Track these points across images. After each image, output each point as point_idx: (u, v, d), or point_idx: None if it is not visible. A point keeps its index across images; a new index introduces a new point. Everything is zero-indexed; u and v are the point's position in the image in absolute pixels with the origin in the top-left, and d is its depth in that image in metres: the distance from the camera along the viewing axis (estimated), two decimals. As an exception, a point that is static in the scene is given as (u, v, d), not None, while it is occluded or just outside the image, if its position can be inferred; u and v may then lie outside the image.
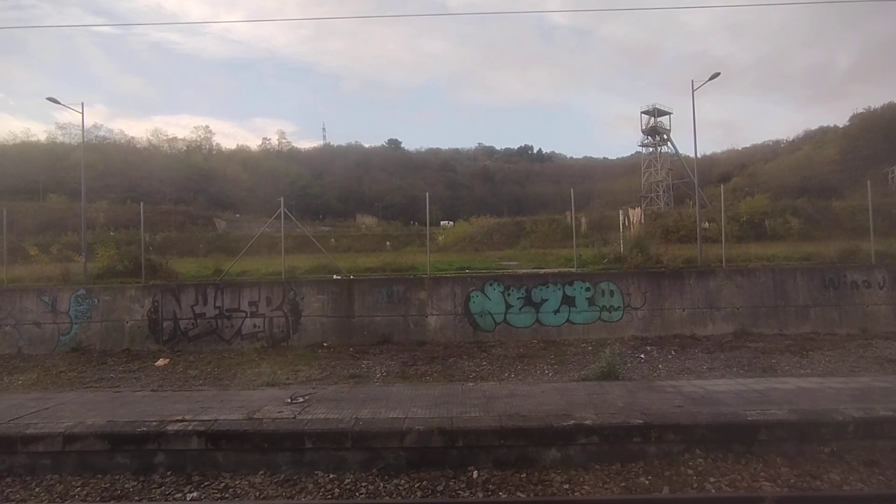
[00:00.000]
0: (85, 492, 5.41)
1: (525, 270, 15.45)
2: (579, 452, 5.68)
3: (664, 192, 64.58)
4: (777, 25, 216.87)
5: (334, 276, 13.57)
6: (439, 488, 5.24)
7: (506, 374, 8.86)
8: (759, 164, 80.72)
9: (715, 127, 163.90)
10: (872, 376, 7.83)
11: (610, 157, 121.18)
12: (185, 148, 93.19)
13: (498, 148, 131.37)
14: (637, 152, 75.85)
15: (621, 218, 23.18)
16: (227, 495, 5.24)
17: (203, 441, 5.83)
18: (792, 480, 5.12)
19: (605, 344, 10.02)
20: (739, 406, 6.26)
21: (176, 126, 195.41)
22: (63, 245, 19.41)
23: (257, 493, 5.25)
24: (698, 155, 23.31)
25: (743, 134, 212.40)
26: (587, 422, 5.82)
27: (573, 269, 13.39)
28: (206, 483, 5.49)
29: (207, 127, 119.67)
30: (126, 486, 5.50)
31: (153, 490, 5.39)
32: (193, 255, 29.23)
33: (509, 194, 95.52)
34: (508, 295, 11.88)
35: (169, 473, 5.72)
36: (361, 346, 11.35)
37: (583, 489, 5.12)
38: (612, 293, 11.86)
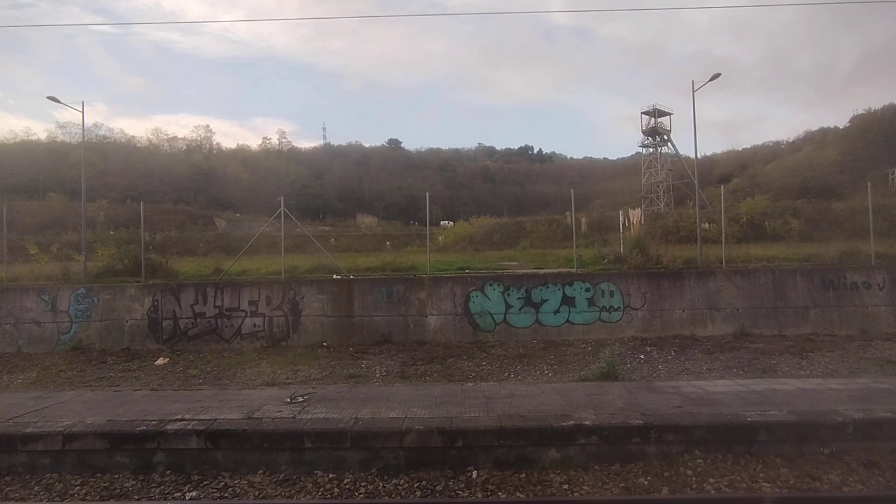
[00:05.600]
0: (84, 491, 5.41)
1: (525, 270, 15.45)
2: (579, 453, 5.68)
3: (664, 192, 64.57)
4: (779, 26, 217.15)
5: (334, 276, 13.57)
6: (438, 488, 5.24)
7: (505, 375, 8.86)
8: (759, 164, 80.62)
9: (715, 128, 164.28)
10: (872, 377, 7.83)
11: (610, 158, 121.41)
12: (185, 147, 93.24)
13: (498, 148, 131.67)
14: (637, 153, 75.92)
15: (621, 218, 23.16)
16: (226, 495, 5.24)
17: (202, 440, 5.83)
18: (791, 481, 5.12)
19: (605, 344, 10.02)
20: (739, 407, 6.26)
21: (176, 125, 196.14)
22: (63, 244, 19.33)
23: (256, 493, 5.25)
24: (698, 155, 23.30)
25: (743, 135, 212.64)
26: (587, 422, 5.82)
27: (573, 270, 13.38)
28: (205, 482, 5.48)
29: (208, 126, 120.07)
30: (125, 484, 5.50)
31: (152, 489, 5.39)
32: (193, 254, 29.21)
33: (509, 194, 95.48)
34: (508, 295, 11.88)
35: (168, 472, 5.72)
36: (361, 346, 11.35)
37: (582, 489, 5.12)
38: (611, 294, 11.86)
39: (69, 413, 6.70)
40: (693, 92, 16.46)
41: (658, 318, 11.79)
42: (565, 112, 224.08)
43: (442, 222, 59.44)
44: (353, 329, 11.89)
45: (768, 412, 6.02)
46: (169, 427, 5.97)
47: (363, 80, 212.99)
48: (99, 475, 5.71)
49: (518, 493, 5.13)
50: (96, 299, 12.21)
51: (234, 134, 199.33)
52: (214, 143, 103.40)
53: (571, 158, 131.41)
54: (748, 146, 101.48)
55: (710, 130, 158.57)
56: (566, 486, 5.20)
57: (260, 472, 5.66)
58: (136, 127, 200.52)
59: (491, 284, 11.98)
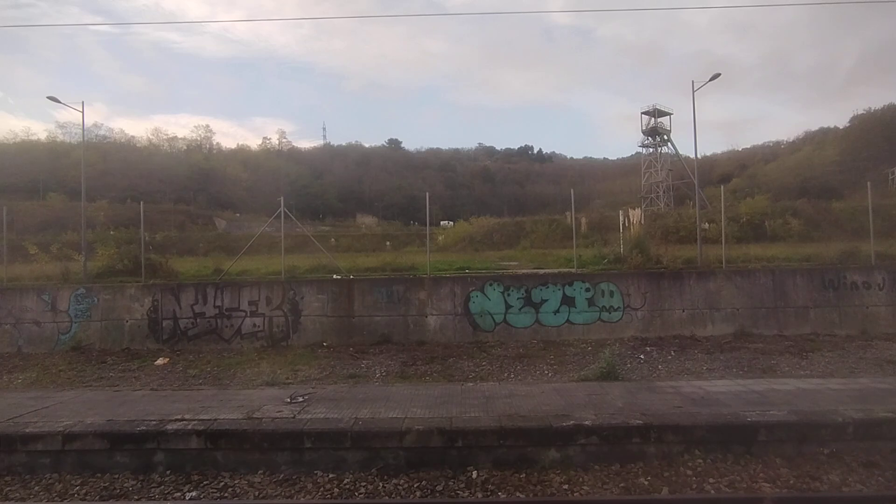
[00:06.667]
0: (84, 491, 5.41)
1: (525, 271, 15.44)
2: (579, 453, 5.69)
3: (664, 192, 64.53)
4: (779, 26, 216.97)
5: (334, 276, 13.56)
6: (438, 488, 5.24)
7: (505, 375, 8.85)
8: (759, 164, 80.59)
9: (715, 128, 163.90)
10: (872, 378, 7.83)
11: (610, 158, 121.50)
12: (185, 147, 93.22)
13: (498, 148, 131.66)
14: (637, 153, 75.85)
15: (621, 218, 23.12)
16: (226, 495, 5.24)
17: (202, 440, 5.83)
18: (791, 481, 5.12)
19: (605, 344, 10.01)
20: (739, 407, 6.26)
21: (176, 125, 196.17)
22: (63, 244, 19.30)
23: (256, 493, 5.26)
24: (698, 155, 23.31)
25: (743, 135, 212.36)
26: (586, 422, 5.82)
27: (573, 270, 13.38)
28: (205, 482, 5.49)
29: (208, 126, 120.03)
30: (125, 484, 5.50)
31: (152, 489, 5.39)
32: (193, 254, 29.22)
33: (509, 194, 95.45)
34: (508, 295, 11.87)
35: (168, 472, 5.72)
36: (361, 346, 11.35)
37: (582, 489, 5.12)
38: (611, 294, 11.86)
39: (69, 413, 6.70)
40: (693, 92, 16.46)
41: (658, 318, 11.79)
42: (565, 112, 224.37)
43: (442, 222, 59.42)
44: (353, 329, 11.89)
45: (768, 412, 6.02)
46: (169, 427, 5.97)
47: (363, 80, 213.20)
48: (99, 475, 5.71)
49: (518, 493, 5.13)
50: (96, 299, 12.21)
51: (234, 134, 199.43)
52: (214, 143, 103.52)
53: (571, 158, 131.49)
54: (748, 146, 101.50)
55: (710, 130, 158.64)
56: (566, 486, 5.20)
57: (260, 472, 5.66)
58: (136, 127, 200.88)
59: (491, 284, 11.98)
